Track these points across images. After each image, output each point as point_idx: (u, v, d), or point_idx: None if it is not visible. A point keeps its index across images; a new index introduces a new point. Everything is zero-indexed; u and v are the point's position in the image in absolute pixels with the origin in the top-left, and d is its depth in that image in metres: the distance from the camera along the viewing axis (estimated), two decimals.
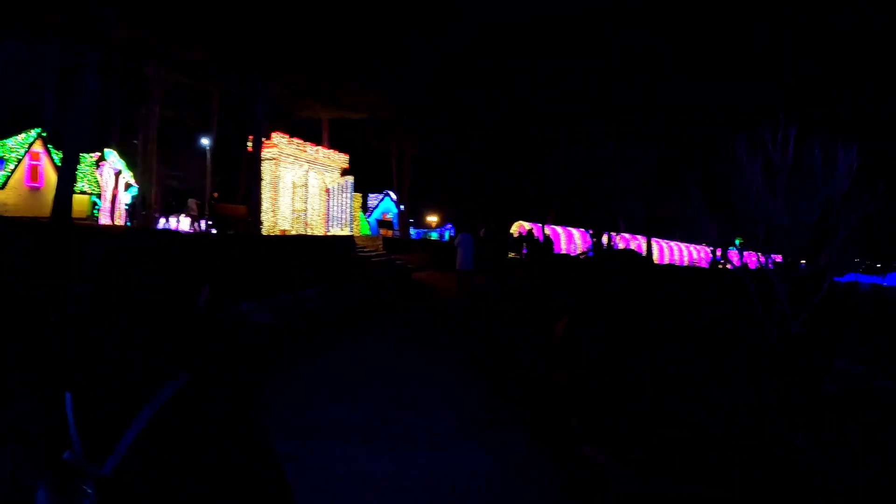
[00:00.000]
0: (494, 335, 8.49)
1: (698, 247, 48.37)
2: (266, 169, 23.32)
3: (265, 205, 23.12)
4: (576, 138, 29.65)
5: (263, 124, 23.05)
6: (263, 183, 23.18)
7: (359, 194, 29.60)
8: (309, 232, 25.40)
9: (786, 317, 8.34)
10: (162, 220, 31.81)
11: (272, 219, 23.09)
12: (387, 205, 40.56)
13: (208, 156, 29.79)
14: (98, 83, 17.47)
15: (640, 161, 27.16)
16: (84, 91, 17.00)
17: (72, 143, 17.25)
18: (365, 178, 36.93)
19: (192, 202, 23.19)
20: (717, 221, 9.93)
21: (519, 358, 6.66)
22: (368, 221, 36.80)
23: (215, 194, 31.68)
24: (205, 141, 30.10)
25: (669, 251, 47.35)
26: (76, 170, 18.42)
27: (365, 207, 37.55)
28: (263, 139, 23.01)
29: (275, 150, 23.15)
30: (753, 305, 8.58)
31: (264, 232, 22.63)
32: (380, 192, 41.25)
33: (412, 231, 39.70)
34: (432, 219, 45.72)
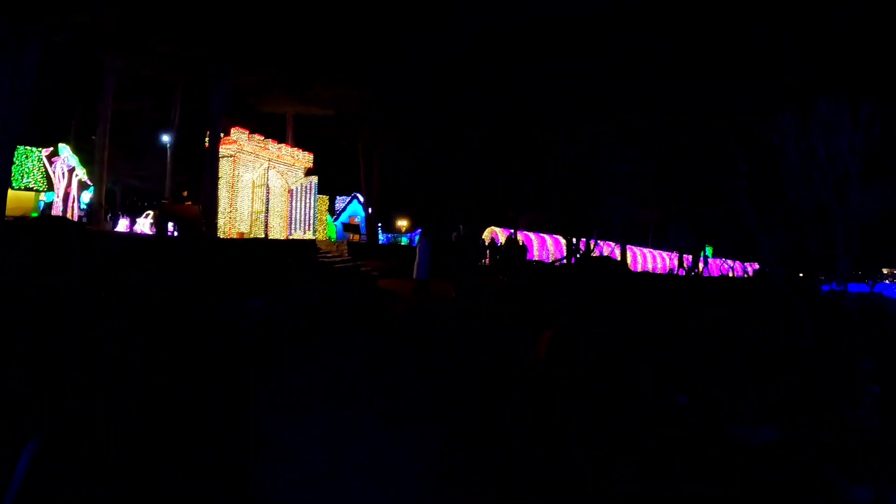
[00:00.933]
0: (459, 362, 7.59)
1: (669, 253, 48.97)
2: (224, 167, 22.46)
3: (222, 205, 22.23)
4: (562, 139, 29.51)
5: (222, 118, 22.22)
6: (221, 182, 22.31)
7: (325, 196, 28.90)
8: (271, 235, 24.58)
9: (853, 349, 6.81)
10: (124, 221, 30.66)
11: (229, 220, 22.19)
12: (355, 208, 39.84)
13: (168, 153, 28.80)
14: (36, 69, 16.40)
15: (635, 162, 27.15)
16: (22, 76, 15.99)
17: (6, 134, 16.18)
18: (332, 179, 36.22)
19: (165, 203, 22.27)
20: (773, 226, 7.92)
21: (487, 401, 5.84)
22: (335, 225, 36.03)
23: (185, 193, 30.63)
24: (165, 137, 29.10)
25: (643, 258, 47.77)
26: (11, 163, 17.32)
27: (332, 210, 36.78)
28: (222, 135, 22.20)
29: (233, 146, 22.31)
30: (804, 332, 7.11)
31: (220, 234, 21.76)
32: (347, 195, 40.57)
33: (381, 236, 39.03)
34: (402, 223, 45.17)
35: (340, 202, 40.52)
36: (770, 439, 4.63)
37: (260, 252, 16.31)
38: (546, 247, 42.79)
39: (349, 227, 31.82)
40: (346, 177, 36.16)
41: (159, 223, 21.28)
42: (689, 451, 4.00)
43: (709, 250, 63.17)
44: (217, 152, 22.06)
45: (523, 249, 30.40)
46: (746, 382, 5.84)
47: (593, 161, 27.03)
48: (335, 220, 36.46)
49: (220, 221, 22.05)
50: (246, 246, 16.61)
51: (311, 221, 25.39)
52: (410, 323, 10.72)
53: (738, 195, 7.97)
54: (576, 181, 27.41)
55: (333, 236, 32.04)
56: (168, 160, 28.76)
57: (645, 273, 34.90)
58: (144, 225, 30.55)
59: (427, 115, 27.80)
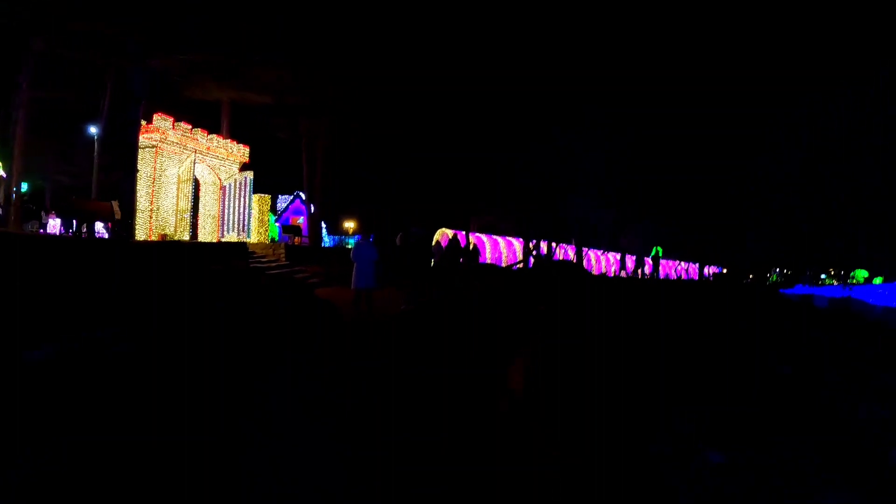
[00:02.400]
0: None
1: (627, 256, 48.19)
2: (144, 159, 19.60)
3: (142, 203, 19.34)
4: (524, 136, 27.78)
5: (142, 104, 19.34)
6: (140, 176, 19.44)
7: (266, 196, 26.22)
8: (201, 238, 21.79)
9: None
10: (53, 222, 27.19)
11: (150, 220, 19.31)
12: (298, 207, 36.93)
13: (97, 146, 25.44)
14: None
15: (601, 161, 25.84)
16: None
17: None
18: (274, 177, 33.35)
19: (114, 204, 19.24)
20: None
21: None
22: (278, 227, 33.15)
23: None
24: (93, 129, 25.74)
25: (596, 260, 46.86)
26: None
27: (273, 210, 33.87)
28: (143, 122, 19.35)
29: (156, 135, 19.48)
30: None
31: (140, 237, 18.89)
32: (290, 194, 37.64)
33: (326, 238, 36.26)
34: (349, 224, 42.36)
35: (282, 202, 37.52)
36: None
37: (180, 257, 13.67)
38: (499, 249, 41.11)
39: (289, 228, 28.96)
40: (288, 174, 33.35)
41: (65, 222, 18.33)
42: None
43: (658, 251, 63.26)
44: (136, 142, 19.21)
45: (475, 252, 28.56)
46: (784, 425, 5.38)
47: (558, 161, 25.56)
48: (277, 221, 33.57)
49: (140, 221, 19.17)
50: (161, 250, 13.87)
51: (246, 222, 22.65)
52: (349, 345, 8.57)
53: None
54: (539, 181, 25.86)
55: (276, 239, 29.23)
56: (96, 154, 25.44)
57: (603, 276, 33.75)
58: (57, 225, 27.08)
59: (375, 107, 25.35)
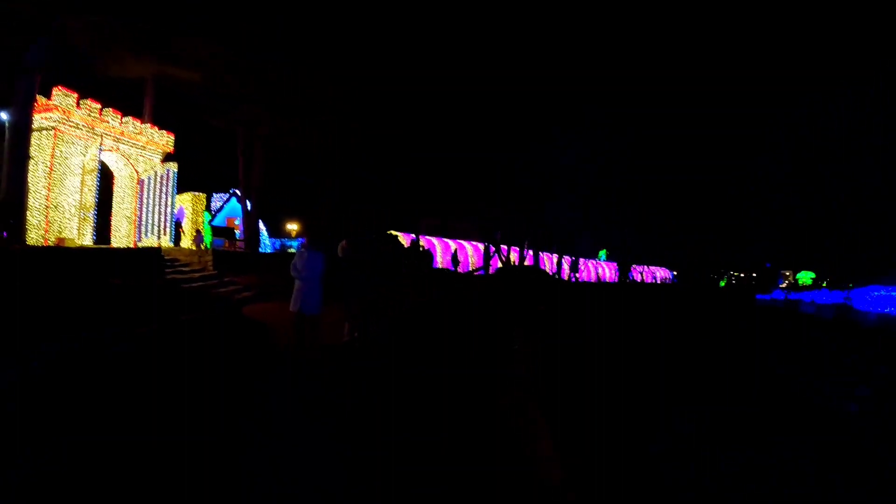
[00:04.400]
0: None
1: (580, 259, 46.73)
2: (40, 144, 15.86)
3: (35, 199, 15.52)
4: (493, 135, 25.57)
5: (37, 77, 15.55)
6: (34, 164, 15.66)
7: (202, 194, 22.62)
8: (115, 242, 18.11)
9: None
10: None
11: (45, 220, 15.49)
12: (234, 207, 32.92)
13: (8, 136, 21.09)
14: None
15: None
16: None
17: None
18: (207, 171, 29.42)
19: None
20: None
21: None
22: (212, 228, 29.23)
23: None
24: (3, 115, 21.39)
25: (551, 263, 45.20)
26: None
27: (208, 210, 29.95)
28: (41, 99, 15.58)
29: (55, 114, 15.83)
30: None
31: (32, 241, 15.09)
32: (226, 192, 33.54)
33: (267, 241, 32.49)
34: (293, 226, 38.53)
35: (217, 200, 33.36)
36: None
37: (69, 268, 10.30)
38: (450, 252, 38.70)
39: (222, 231, 25.15)
40: (224, 167, 29.41)
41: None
42: None
43: (602, 254, 62.45)
44: (28, 123, 15.39)
45: (427, 256, 26.06)
46: None
47: (555, 161, 23.78)
48: (210, 223, 29.63)
49: (33, 221, 15.33)
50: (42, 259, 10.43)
51: (168, 223, 18.99)
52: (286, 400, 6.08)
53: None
54: (539, 181, 24.04)
55: (209, 243, 25.50)
56: (7, 142, 21.19)
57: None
58: None
59: (320, 91, 22.18)
